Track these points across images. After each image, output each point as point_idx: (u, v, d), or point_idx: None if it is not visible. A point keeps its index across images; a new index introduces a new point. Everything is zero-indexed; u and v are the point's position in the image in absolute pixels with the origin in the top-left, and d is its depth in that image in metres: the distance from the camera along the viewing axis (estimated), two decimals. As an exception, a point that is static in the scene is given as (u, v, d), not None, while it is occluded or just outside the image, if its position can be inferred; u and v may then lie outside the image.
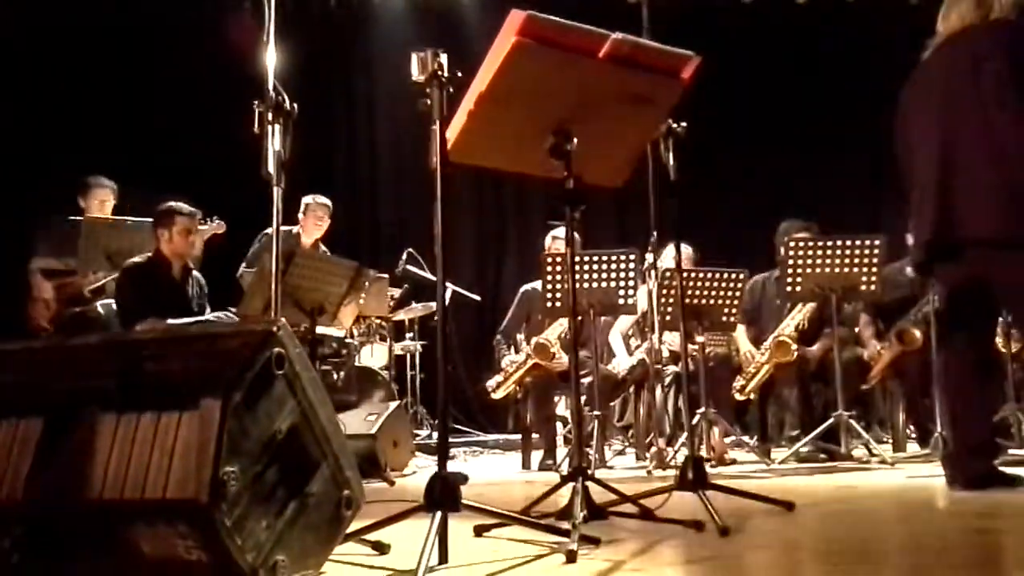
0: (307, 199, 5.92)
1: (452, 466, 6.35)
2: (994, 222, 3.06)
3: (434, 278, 7.37)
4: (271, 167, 2.53)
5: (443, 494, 2.13)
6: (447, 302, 7.59)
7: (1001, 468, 3.37)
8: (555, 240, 5.48)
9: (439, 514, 2.10)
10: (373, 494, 4.10)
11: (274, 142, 2.58)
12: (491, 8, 7.71)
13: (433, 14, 8.36)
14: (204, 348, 2.04)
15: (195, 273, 4.83)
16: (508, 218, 8.91)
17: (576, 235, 5.46)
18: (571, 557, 2.12)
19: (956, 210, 3.12)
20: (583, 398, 5.59)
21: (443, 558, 2.14)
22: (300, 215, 5.89)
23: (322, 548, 2.11)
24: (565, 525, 2.33)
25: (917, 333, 5.21)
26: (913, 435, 5.73)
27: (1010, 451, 4.74)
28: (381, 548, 2.36)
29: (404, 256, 6.80)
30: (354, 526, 2.31)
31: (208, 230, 5.43)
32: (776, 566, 2.07)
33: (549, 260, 4.95)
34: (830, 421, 4.85)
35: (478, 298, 7.75)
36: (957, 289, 3.35)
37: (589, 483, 2.55)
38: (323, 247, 5.99)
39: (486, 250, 8.85)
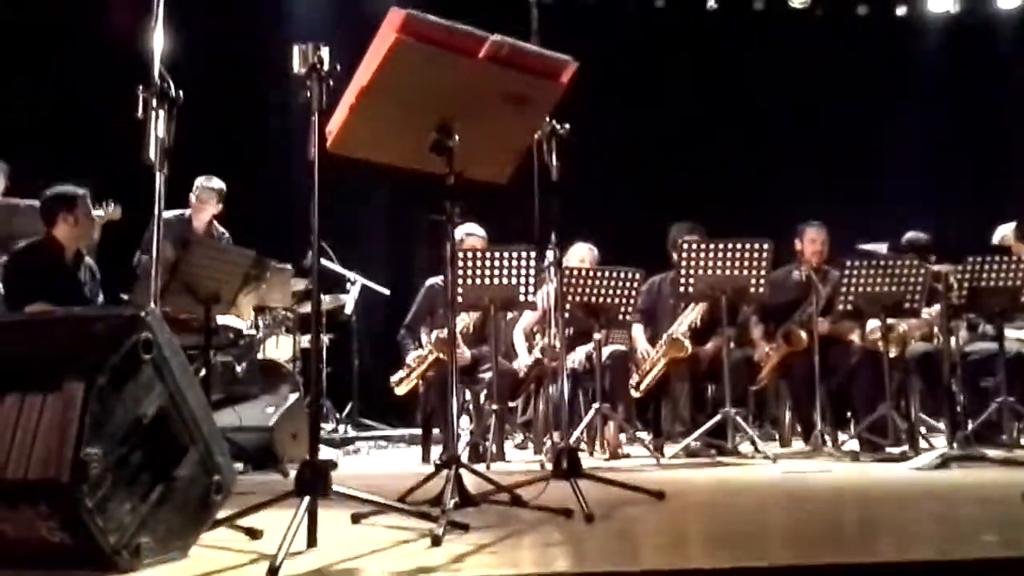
0: (200, 180, 5.78)
1: (355, 460, 6.39)
2: None
3: (343, 271, 7.44)
4: (152, 153, 2.53)
5: (312, 480, 2.18)
6: (356, 295, 7.54)
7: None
8: (467, 236, 5.56)
9: (307, 499, 2.15)
10: (265, 485, 4.13)
11: (157, 128, 2.59)
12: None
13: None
14: (70, 331, 2.06)
15: (87, 259, 4.75)
16: (421, 211, 8.93)
17: (483, 232, 5.63)
18: (436, 541, 2.20)
19: None
20: (483, 393, 5.69)
21: (312, 542, 2.19)
22: (192, 197, 5.79)
23: (189, 531, 2.14)
24: (437, 512, 2.41)
25: (803, 334, 5.44)
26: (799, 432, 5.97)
27: (885, 449, 5.00)
28: (254, 534, 2.39)
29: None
30: (233, 512, 2.35)
31: (104, 216, 5.33)
32: (625, 548, 2.18)
33: (459, 255, 5.02)
34: (717, 418, 5.04)
35: (387, 292, 7.77)
36: None
37: (466, 473, 2.63)
38: (221, 229, 5.90)
39: (398, 243, 8.85)
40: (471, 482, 2.79)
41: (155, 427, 2.05)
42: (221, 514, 2.28)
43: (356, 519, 2.62)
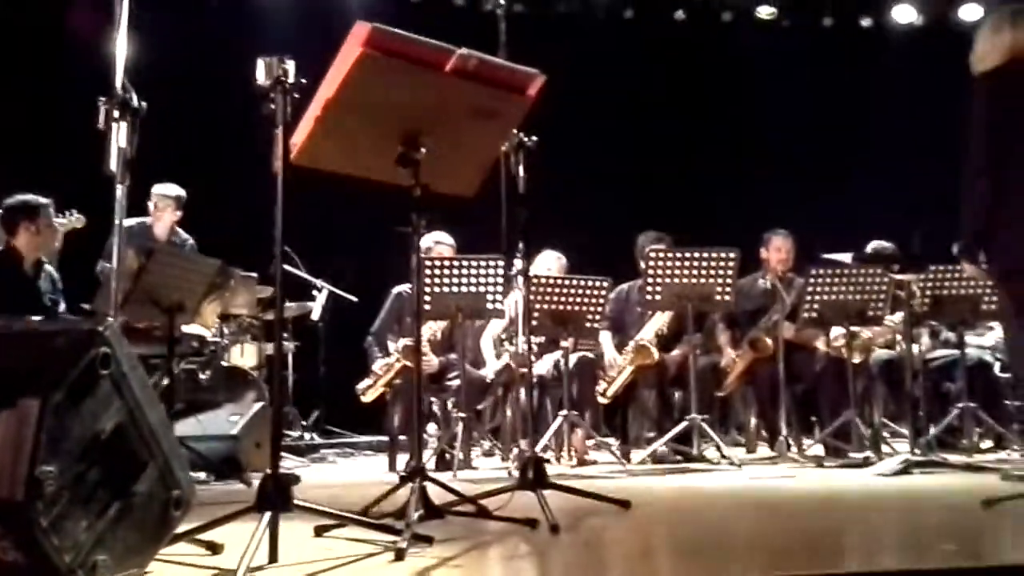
0: (160, 188, 5.67)
1: (320, 468, 6.34)
2: None
3: (310, 278, 7.39)
4: (114, 165, 2.50)
5: (274, 494, 2.16)
6: (323, 301, 7.46)
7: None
8: (436, 244, 5.56)
9: (268, 514, 2.13)
10: (227, 495, 4.10)
11: (119, 139, 2.55)
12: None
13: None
14: (27, 346, 2.02)
15: (48, 267, 4.69)
16: (389, 218, 8.90)
17: (451, 240, 5.62)
18: (399, 555, 2.19)
19: None
20: (451, 400, 5.68)
21: (273, 557, 2.18)
22: (152, 205, 5.71)
23: (147, 548, 2.11)
24: (401, 525, 2.40)
25: (769, 341, 5.48)
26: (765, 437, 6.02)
27: (849, 455, 5.05)
28: (214, 548, 2.37)
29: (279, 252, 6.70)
30: (193, 526, 2.32)
31: (67, 224, 5.25)
32: (590, 561, 2.18)
33: (427, 262, 5.02)
34: (684, 424, 5.06)
35: (355, 299, 7.72)
36: None
37: (431, 484, 2.62)
38: (184, 235, 5.82)
39: (366, 250, 8.81)
40: (436, 492, 2.78)
41: (113, 443, 2.02)
42: (182, 527, 2.26)
43: (319, 532, 2.60)
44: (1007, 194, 3.36)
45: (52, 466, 1.88)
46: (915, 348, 5.27)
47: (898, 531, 2.55)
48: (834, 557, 2.24)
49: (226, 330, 6.52)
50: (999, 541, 2.33)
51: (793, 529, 2.69)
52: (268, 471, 2.22)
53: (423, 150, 2.54)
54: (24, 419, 1.88)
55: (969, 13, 9.01)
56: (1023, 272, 3.26)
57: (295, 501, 2.19)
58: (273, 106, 2.27)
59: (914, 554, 2.19)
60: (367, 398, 5.53)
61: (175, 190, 5.73)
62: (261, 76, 2.28)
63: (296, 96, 2.29)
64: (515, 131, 2.92)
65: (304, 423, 7.48)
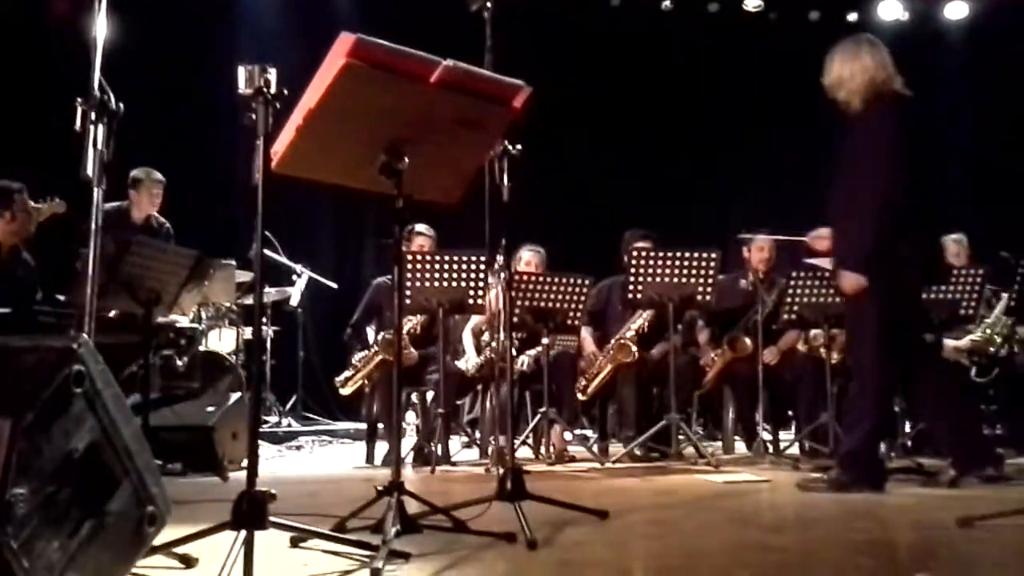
0: (138, 172, 5.57)
1: (297, 457, 6.32)
2: None
3: (289, 263, 7.34)
4: (91, 168, 2.44)
5: (249, 513, 2.14)
6: (302, 289, 7.43)
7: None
8: (417, 235, 5.52)
9: (244, 532, 2.11)
10: (204, 490, 4.07)
11: (96, 141, 2.50)
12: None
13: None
14: (-3, 364, 1.98)
15: (24, 255, 4.61)
16: (369, 204, 8.85)
17: (431, 232, 5.57)
18: (375, 574, 2.17)
19: None
20: (430, 394, 5.66)
21: (247, 574, 2.15)
22: (130, 189, 5.61)
23: (120, 566, 2.08)
24: (377, 540, 2.38)
25: (748, 341, 5.50)
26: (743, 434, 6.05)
27: (826, 456, 5.08)
28: (188, 561, 2.35)
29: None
30: (171, 531, 2.30)
31: (47, 209, 5.16)
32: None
33: (409, 257, 4.99)
34: (662, 423, 5.08)
35: (335, 285, 7.69)
36: None
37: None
38: (161, 219, 5.72)
39: (346, 236, 8.77)
40: (414, 501, 2.78)
41: (86, 461, 1.98)
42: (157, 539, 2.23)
43: (295, 543, 2.58)
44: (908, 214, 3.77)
45: (23, 488, 1.84)
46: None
47: (872, 554, 2.55)
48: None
49: (204, 315, 6.47)
50: (976, 568, 2.34)
51: (769, 547, 2.70)
52: (243, 490, 2.18)
53: (406, 160, 2.50)
54: (-6, 441, 1.84)
55: (954, 11, 9.03)
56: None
57: (270, 519, 2.16)
58: (254, 116, 2.23)
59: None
60: (347, 391, 5.52)
61: (155, 174, 5.64)
62: (242, 84, 2.23)
63: (277, 106, 2.24)
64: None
65: (281, 409, 7.46)
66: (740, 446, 5.96)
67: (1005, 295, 5.45)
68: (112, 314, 4.50)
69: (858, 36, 4.06)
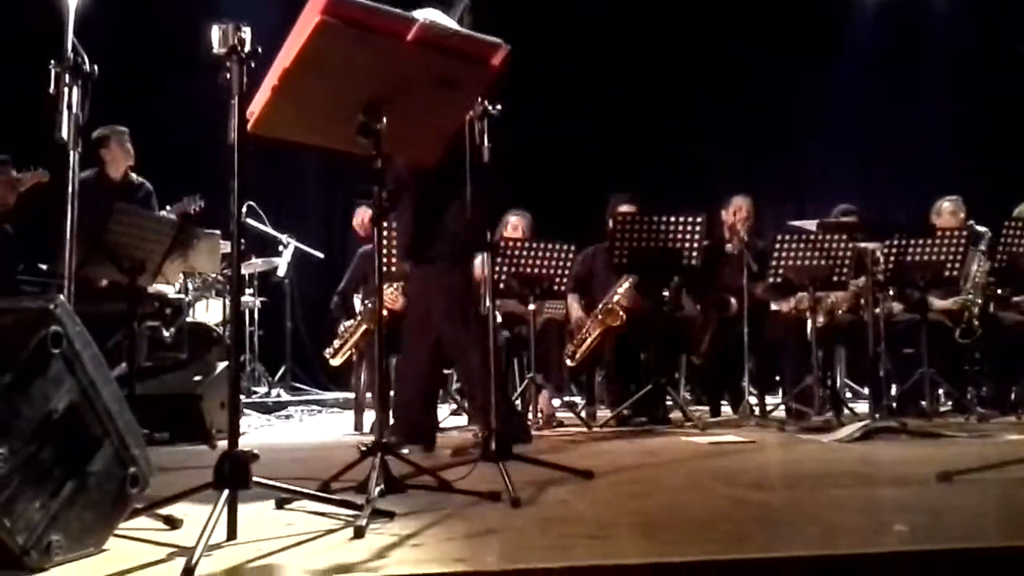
0: (102, 130, 5.36)
1: (287, 426, 6.32)
2: None
3: (276, 233, 7.31)
4: (65, 132, 2.42)
5: (232, 473, 2.14)
6: (288, 259, 7.40)
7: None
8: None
9: (226, 492, 2.12)
10: (192, 456, 4.08)
11: (71, 104, 2.48)
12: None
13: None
14: (-26, 325, 1.97)
15: (5, 226, 4.58)
16: (357, 173, 8.81)
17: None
18: (359, 532, 2.19)
19: None
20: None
21: (231, 535, 2.17)
22: (101, 149, 5.39)
23: (104, 526, 2.10)
24: (362, 500, 2.40)
25: (733, 301, 5.52)
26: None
27: (812, 417, 5.12)
28: (173, 523, 2.35)
29: (244, 209, 6.60)
30: (153, 502, 2.31)
31: (30, 178, 5.11)
32: (551, 537, 2.19)
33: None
34: (648, 387, 5.10)
35: (321, 255, 7.67)
36: None
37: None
38: (139, 179, 5.62)
39: (332, 204, 8.72)
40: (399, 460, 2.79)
41: (66, 422, 1.99)
42: (140, 501, 2.24)
43: (280, 504, 2.60)
44: None
45: (2, 448, 1.85)
46: (877, 311, 5.31)
47: (856, 510, 2.58)
48: (790, 536, 2.27)
49: (190, 286, 6.46)
50: (953, 520, 2.37)
51: (751, 503, 2.72)
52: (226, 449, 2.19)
53: (384, 120, 2.49)
54: (-28, 402, 1.84)
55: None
56: None
57: (254, 479, 2.17)
58: (229, 75, 2.20)
59: (871, 536, 2.21)
60: (336, 362, 5.53)
61: (117, 127, 5.46)
62: (216, 44, 2.21)
63: (252, 65, 2.22)
64: (479, 99, 2.86)
65: (270, 379, 7.47)
66: (726, 409, 6.00)
67: (980, 253, 5.51)
68: (104, 283, 4.48)
69: None
